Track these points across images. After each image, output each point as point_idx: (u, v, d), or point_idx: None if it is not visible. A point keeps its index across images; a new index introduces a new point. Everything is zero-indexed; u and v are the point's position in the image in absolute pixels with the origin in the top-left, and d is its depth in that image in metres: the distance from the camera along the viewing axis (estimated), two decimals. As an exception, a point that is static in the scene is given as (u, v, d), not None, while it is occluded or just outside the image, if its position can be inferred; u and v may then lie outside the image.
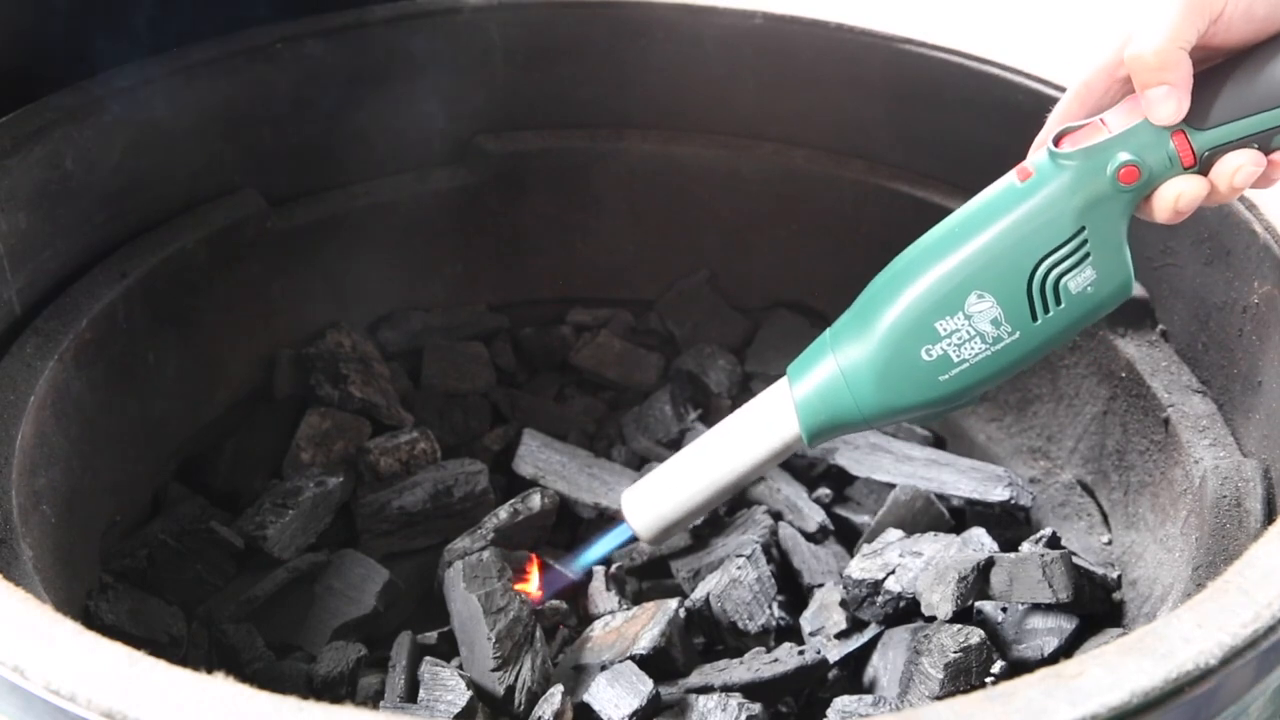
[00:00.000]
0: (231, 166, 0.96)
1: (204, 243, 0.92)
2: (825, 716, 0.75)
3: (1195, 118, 0.61)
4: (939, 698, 0.73)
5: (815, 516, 0.92)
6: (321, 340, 1.00)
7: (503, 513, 0.87)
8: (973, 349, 0.65)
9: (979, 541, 0.84)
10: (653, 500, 0.75)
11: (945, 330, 0.65)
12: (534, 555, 0.87)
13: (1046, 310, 0.64)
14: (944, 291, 0.65)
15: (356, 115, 1.01)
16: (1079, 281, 0.63)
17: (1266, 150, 0.61)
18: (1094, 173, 0.62)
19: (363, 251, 1.03)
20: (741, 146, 1.09)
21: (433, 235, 1.07)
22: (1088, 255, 0.63)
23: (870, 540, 0.87)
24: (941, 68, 0.99)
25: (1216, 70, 0.62)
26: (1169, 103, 0.60)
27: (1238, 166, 0.61)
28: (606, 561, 0.86)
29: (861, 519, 0.93)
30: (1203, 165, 0.62)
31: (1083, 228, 0.63)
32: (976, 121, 0.98)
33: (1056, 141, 0.63)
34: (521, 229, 1.10)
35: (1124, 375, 0.88)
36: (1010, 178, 0.65)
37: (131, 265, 0.87)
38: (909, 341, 0.65)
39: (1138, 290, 0.89)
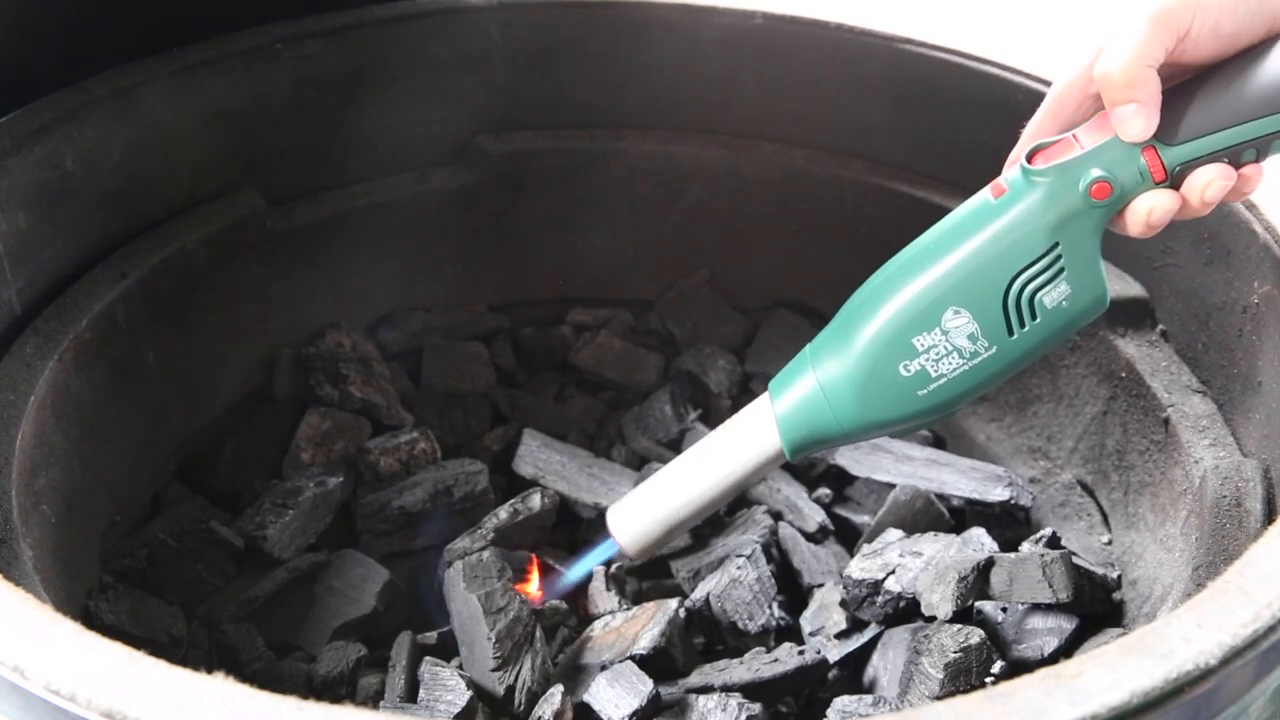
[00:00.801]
0: (231, 166, 0.96)
1: (204, 243, 0.92)
2: (825, 716, 0.75)
3: (1165, 133, 0.62)
4: (939, 698, 0.73)
5: (815, 516, 0.92)
6: (321, 340, 1.00)
7: (503, 513, 0.87)
8: (950, 364, 0.65)
9: (979, 541, 0.84)
10: (638, 515, 0.76)
11: (923, 346, 0.65)
12: (534, 555, 0.87)
13: (1023, 325, 0.64)
14: (921, 307, 0.65)
15: (356, 115, 1.01)
16: (1054, 296, 0.64)
17: (1236, 164, 0.62)
18: (1067, 189, 0.63)
19: (363, 251, 1.03)
20: (741, 146, 1.09)
21: (433, 235, 1.07)
22: (1062, 270, 0.63)
23: (870, 540, 0.87)
24: (941, 68, 0.99)
25: (1185, 86, 0.62)
26: (1138, 120, 0.61)
27: (1208, 181, 0.62)
28: (606, 562, 0.86)
29: (861, 519, 0.93)
30: (1174, 180, 0.63)
31: (1056, 243, 0.63)
32: (976, 121, 0.98)
33: (1030, 158, 0.64)
34: (521, 229, 1.10)
35: (1124, 375, 0.88)
36: (984, 194, 0.66)
37: (131, 265, 0.87)
38: (887, 357, 0.66)
39: (1138, 290, 0.89)
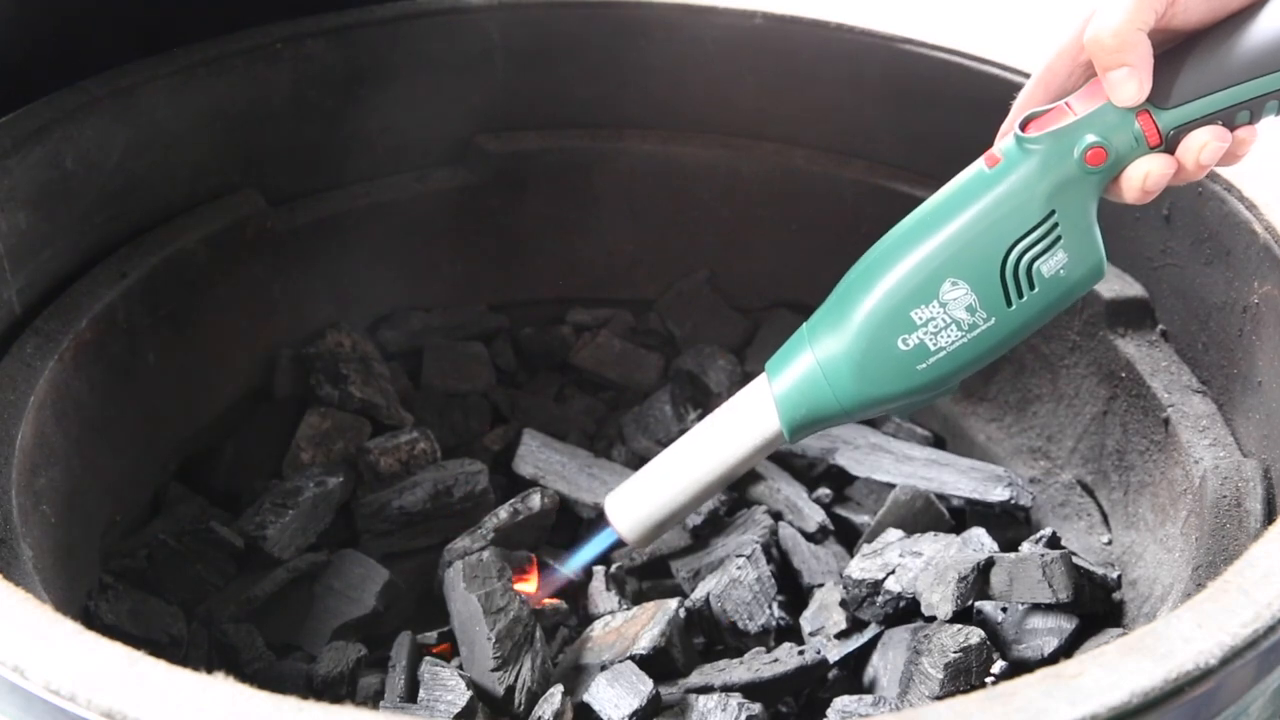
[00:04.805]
0: (231, 166, 0.96)
1: (204, 243, 0.92)
2: (825, 716, 0.75)
3: (1158, 97, 0.62)
4: (939, 698, 0.73)
5: (815, 516, 0.92)
6: (321, 340, 1.00)
7: (503, 513, 0.87)
8: (949, 336, 0.65)
9: (979, 541, 0.84)
10: (637, 502, 0.75)
11: (921, 319, 0.65)
12: (534, 556, 0.87)
13: (1020, 295, 0.64)
14: (918, 280, 0.65)
15: (356, 115, 1.01)
16: (1051, 265, 0.64)
17: (1231, 126, 0.62)
18: (1061, 156, 0.63)
19: (363, 251, 1.03)
20: (741, 146, 1.09)
21: (433, 235, 1.07)
22: (1059, 238, 0.63)
23: (870, 540, 0.87)
24: (941, 68, 0.99)
25: (1177, 51, 0.62)
26: (1130, 83, 0.61)
27: (1203, 144, 0.61)
28: (606, 561, 0.86)
29: (861, 519, 0.93)
30: (1169, 144, 0.62)
31: (1052, 211, 0.63)
32: (976, 121, 0.97)
33: (1023, 127, 0.64)
34: (521, 229, 1.10)
35: (1124, 375, 0.88)
36: (979, 164, 0.66)
37: (131, 265, 0.87)
38: (885, 332, 0.66)
39: (1138, 290, 0.89)
